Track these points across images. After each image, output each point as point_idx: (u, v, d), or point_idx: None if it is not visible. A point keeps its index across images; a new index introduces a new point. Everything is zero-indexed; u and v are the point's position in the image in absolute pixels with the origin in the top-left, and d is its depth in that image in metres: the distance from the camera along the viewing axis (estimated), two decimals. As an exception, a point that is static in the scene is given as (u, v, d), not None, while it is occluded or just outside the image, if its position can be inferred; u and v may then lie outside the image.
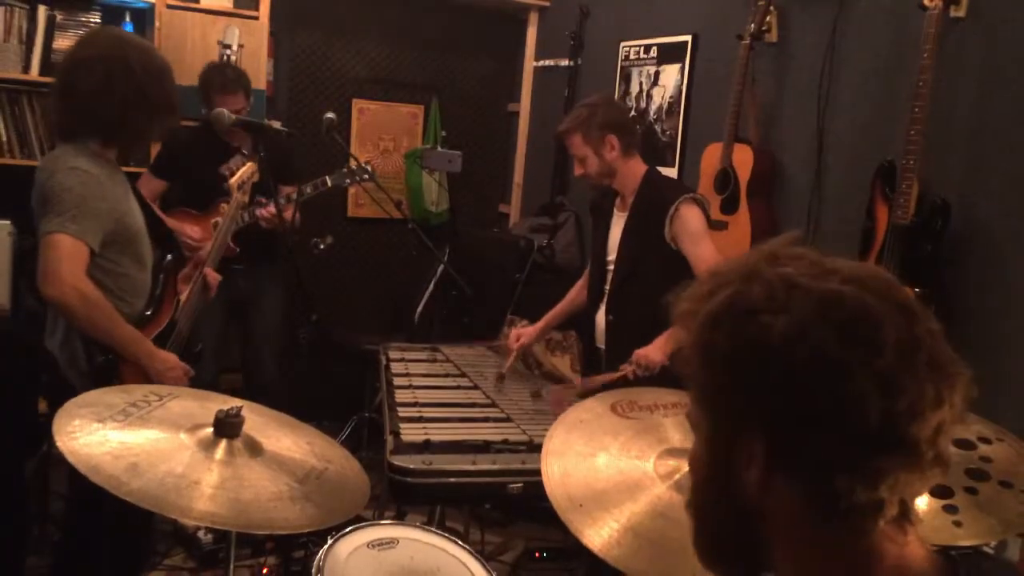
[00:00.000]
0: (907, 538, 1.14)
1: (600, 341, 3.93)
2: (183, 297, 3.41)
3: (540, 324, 4.19)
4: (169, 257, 3.43)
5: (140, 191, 4.75)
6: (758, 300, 1.11)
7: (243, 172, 3.60)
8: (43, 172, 3.08)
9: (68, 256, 2.93)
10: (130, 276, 3.20)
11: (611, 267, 3.87)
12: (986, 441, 2.20)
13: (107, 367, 3.07)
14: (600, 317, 3.91)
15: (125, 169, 3.45)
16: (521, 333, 4.13)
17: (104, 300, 3.02)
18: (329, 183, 4.79)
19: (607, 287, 3.89)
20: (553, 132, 5.88)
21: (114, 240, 3.11)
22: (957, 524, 1.98)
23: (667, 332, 3.51)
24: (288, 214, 4.57)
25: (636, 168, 3.79)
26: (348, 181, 4.86)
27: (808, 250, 1.18)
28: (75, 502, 3.29)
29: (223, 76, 4.73)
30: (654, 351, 3.48)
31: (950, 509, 2.01)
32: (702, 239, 3.62)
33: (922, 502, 1.99)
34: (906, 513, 1.13)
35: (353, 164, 4.87)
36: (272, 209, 4.54)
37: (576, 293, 4.22)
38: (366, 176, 4.85)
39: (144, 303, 3.28)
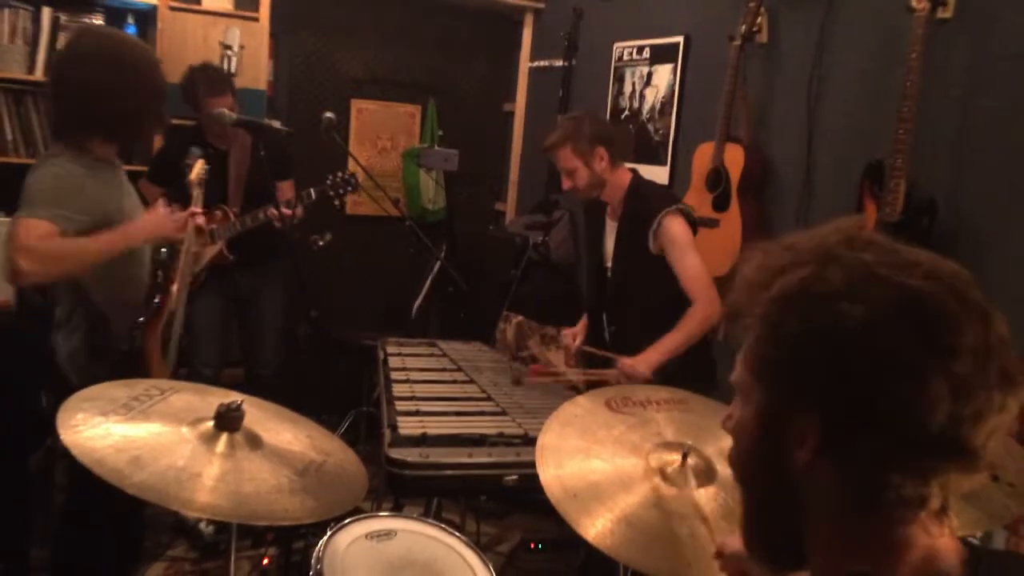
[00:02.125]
0: (942, 529, 1.13)
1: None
2: (175, 287, 3.39)
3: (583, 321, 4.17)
4: (164, 251, 3.41)
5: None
6: (836, 286, 1.09)
7: (198, 169, 3.58)
8: (31, 169, 3.07)
9: (21, 232, 2.86)
10: (123, 270, 3.18)
11: (609, 274, 3.86)
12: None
13: (131, 354, 3.09)
14: (605, 322, 3.91)
15: (127, 168, 3.44)
16: (575, 333, 4.11)
17: (55, 242, 2.90)
18: (314, 195, 4.77)
19: (607, 294, 3.88)
20: (547, 132, 5.91)
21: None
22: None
23: (653, 347, 3.50)
24: (290, 212, 4.58)
25: (622, 178, 3.76)
26: (332, 193, 4.84)
27: (883, 237, 1.16)
28: (74, 494, 3.28)
29: (210, 79, 4.70)
30: (642, 365, 3.46)
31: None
32: (686, 251, 3.59)
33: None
34: (945, 507, 1.13)
35: (339, 175, 4.85)
36: (287, 210, 4.55)
37: None
38: (350, 188, 4.84)
39: (141, 298, 3.27)
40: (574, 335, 4.08)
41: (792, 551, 1.21)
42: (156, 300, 3.30)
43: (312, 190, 4.76)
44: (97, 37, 3.23)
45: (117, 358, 3.10)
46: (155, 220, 3.20)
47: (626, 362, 3.48)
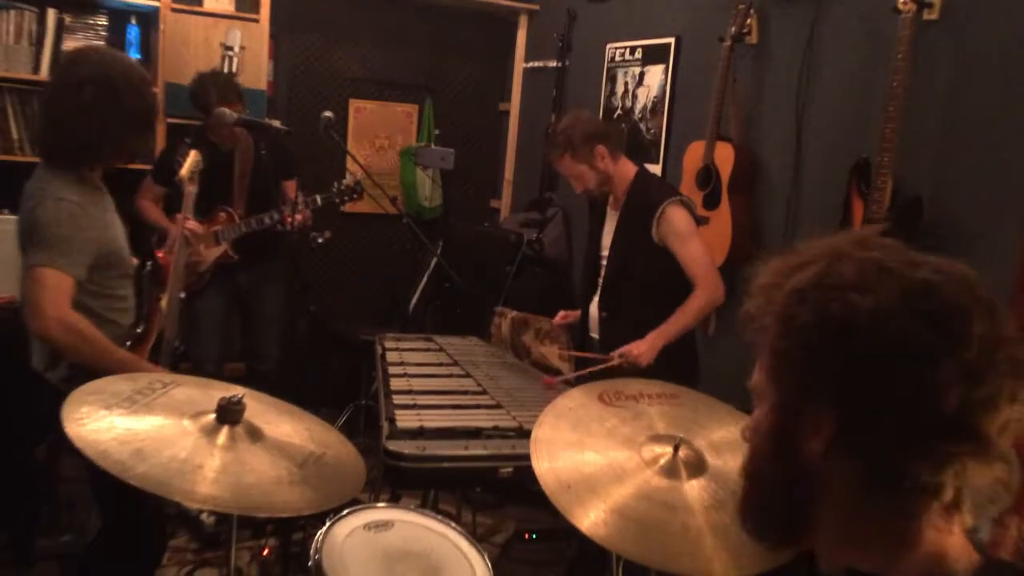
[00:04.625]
0: (952, 528, 1.13)
1: (594, 331, 3.93)
2: (164, 302, 3.35)
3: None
4: (148, 266, 3.36)
5: (142, 196, 4.77)
6: (848, 278, 1.10)
7: (191, 163, 3.48)
8: (29, 200, 2.95)
9: (52, 289, 2.83)
10: (116, 295, 3.11)
11: (604, 262, 3.87)
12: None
13: None
14: (593, 309, 3.92)
15: (131, 167, 3.42)
16: (567, 315, 4.15)
17: (92, 329, 2.91)
18: (320, 202, 4.77)
19: (600, 281, 3.89)
20: (543, 130, 5.93)
21: (99, 264, 3.00)
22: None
23: (658, 330, 3.53)
24: (303, 216, 4.59)
25: (626, 169, 3.78)
26: (337, 200, 4.84)
27: (895, 242, 1.17)
28: (100, 488, 3.22)
29: (221, 87, 4.68)
30: (646, 350, 3.49)
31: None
32: (689, 238, 3.62)
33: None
34: (958, 503, 1.12)
35: (345, 183, 4.84)
36: (300, 217, 4.55)
37: None
38: (356, 195, 4.84)
39: (132, 316, 3.21)
40: (565, 315, 4.10)
41: (793, 535, 1.22)
42: (139, 329, 3.24)
43: (318, 196, 4.75)
44: (90, 60, 3.06)
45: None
46: None
47: (631, 347, 3.49)
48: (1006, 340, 1.08)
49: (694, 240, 3.63)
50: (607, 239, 3.86)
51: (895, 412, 1.06)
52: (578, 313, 4.11)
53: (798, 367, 1.14)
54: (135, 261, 3.29)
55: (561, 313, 4.15)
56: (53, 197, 2.91)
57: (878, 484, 1.10)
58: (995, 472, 1.09)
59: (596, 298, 3.92)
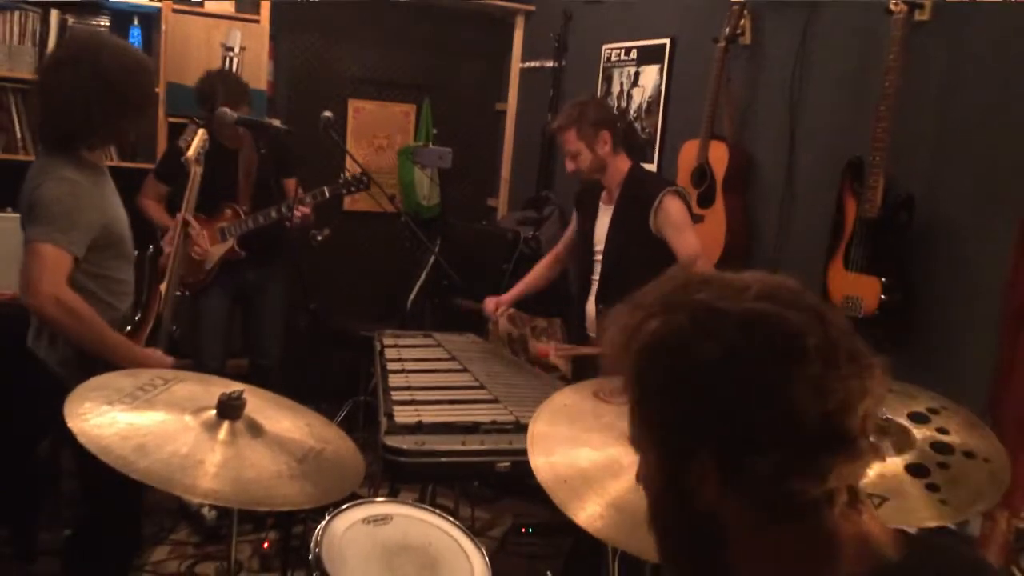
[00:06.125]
0: (862, 517, 1.14)
1: (591, 329, 3.93)
2: (163, 287, 3.33)
3: (513, 292, 4.32)
4: (151, 249, 3.34)
5: (145, 195, 4.76)
6: (685, 329, 1.11)
7: (197, 143, 3.41)
8: (31, 182, 2.93)
9: (50, 266, 2.79)
10: (115, 277, 3.07)
11: (598, 258, 3.87)
12: (934, 412, 2.21)
13: None
14: (590, 306, 3.92)
15: (132, 165, 3.40)
16: (499, 302, 4.21)
17: (87, 309, 2.87)
18: (327, 193, 4.77)
19: (595, 277, 3.89)
20: (539, 129, 5.93)
21: (98, 245, 2.96)
22: (943, 502, 1.98)
23: None
24: (307, 209, 4.59)
25: (622, 164, 3.80)
26: (344, 191, 4.85)
27: (714, 272, 1.19)
28: (86, 480, 3.22)
29: (229, 88, 4.67)
30: None
31: (932, 488, 2.00)
32: (684, 228, 3.64)
33: (907, 484, 1.99)
34: (856, 496, 1.14)
35: (350, 174, 4.86)
36: (307, 211, 4.56)
37: (544, 267, 4.38)
38: (362, 186, 4.84)
39: (130, 301, 3.17)
40: (496, 304, 4.26)
41: (712, 568, 1.22)
42: (137, 317, 3.22)
43: (326, 188, 4.76)
44: (79, 41, 3.06)
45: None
46: (158, 364, 3.05)
47: None
48: (840, 341, 1.10)
49: (689, 230, 3.66)
50: (600, 233, 3.86)
51: (763, 443, 1.08)
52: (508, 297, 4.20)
53: (667, 425, 1.16)
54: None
55: (489, 299, 4.32)
56: (54, 177, 2.89)
57: (774, 511, 1.12)
58: (865, 463, 1.12)
59: (591, 296, 3.92)
